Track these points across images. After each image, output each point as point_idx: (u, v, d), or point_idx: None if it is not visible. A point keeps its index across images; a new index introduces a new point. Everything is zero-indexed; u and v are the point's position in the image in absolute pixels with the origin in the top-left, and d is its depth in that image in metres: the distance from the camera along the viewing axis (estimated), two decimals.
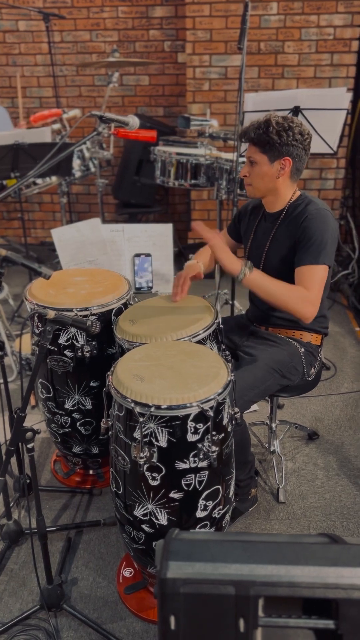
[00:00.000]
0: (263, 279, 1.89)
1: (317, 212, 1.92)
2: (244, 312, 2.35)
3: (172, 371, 1.59)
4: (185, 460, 1.51)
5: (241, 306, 3.45)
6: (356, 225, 4.62)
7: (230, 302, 3.32)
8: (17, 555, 2.05)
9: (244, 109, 2.79)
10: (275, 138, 1.88)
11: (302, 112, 2.72)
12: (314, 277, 1.88)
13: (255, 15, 4.05)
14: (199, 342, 1.83)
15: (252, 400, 1.94)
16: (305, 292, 1.87)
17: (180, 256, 4.53)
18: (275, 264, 2.02)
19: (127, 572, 1.95)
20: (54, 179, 3.69)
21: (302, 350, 2.06)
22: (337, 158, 4.33)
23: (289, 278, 1.93)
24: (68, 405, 2.11)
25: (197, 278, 2.11)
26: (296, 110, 2.72)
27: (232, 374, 1.61)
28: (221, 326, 1.96)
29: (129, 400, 1.50)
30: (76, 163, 3.77)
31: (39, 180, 3.64)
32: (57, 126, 3.78)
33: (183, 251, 4.59)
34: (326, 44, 4.11)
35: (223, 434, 1.58)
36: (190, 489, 1.55)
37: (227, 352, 1.94)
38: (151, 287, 2.59)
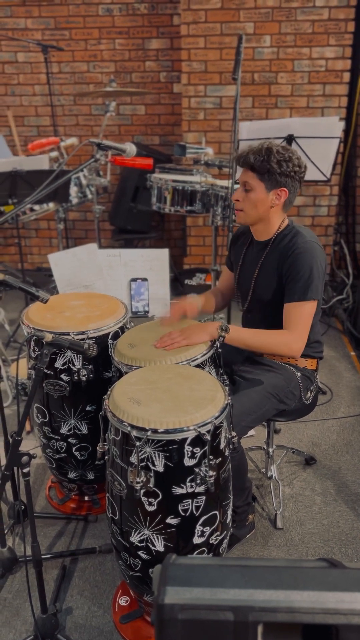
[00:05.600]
0: (240, 336, 1.91)
1: (304, 246, 1.90)
2: None
3: (168, 394, 1.58)
4: (182, 485, 1.50)
5: None
6: (350, 251, 4.68)
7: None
8: (10, 583, 2.01)
9: (239, 137, 2.84)
10: (275, 167, 1.87)
11: (296, 140, 2.78)
12: (302, 314, 1.90)
13: (249, 48, 4.16)
14: (197, 366, 1.82)
15: (250, 426, 1.93)
16: (287, 334, 1.91)
17: (176, 282, 4.56)
18: (264, 294, 2.03)
19: (123, 601, 1.91)
20: (51, 205, 3.73)
21: (299, 374, 2.06)
22: (330, 185, 4.40)
23: (279, 307, 1.95)
24: (64, 429, 2.10)
25: (191, 313, 2.09)
26: (290, 139, 2.77)
27: (229, 398, 1.60)
28: (219, 350, 1.96)
29: (126, 424, 1.49)
30: (73, 190, 3.82)
31: (36, 207, 3.67)
32: (54, 154, 3.84)
33: (179, 277, 4.62)
34: (318, 75, 4.21)
35: (220, 459, 1.57)
36: (187, 514, 1.54)
37: (225, 377, 1.94)
38: (147, 311, 2.60)
